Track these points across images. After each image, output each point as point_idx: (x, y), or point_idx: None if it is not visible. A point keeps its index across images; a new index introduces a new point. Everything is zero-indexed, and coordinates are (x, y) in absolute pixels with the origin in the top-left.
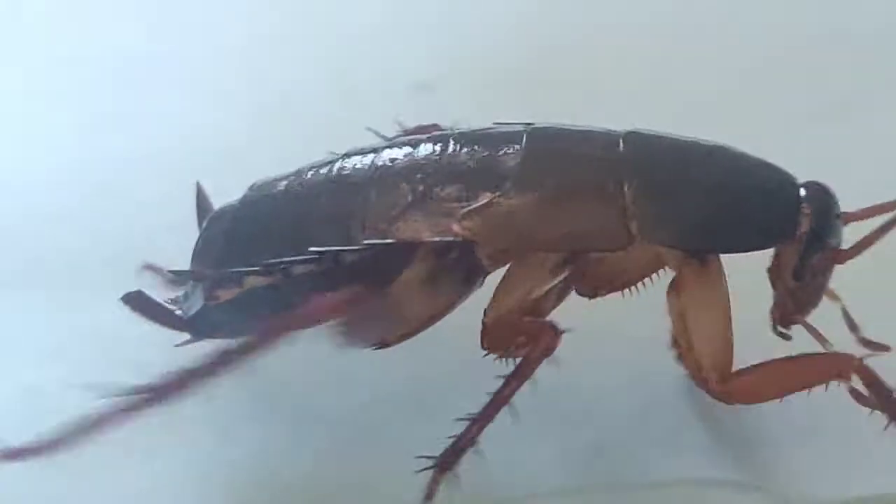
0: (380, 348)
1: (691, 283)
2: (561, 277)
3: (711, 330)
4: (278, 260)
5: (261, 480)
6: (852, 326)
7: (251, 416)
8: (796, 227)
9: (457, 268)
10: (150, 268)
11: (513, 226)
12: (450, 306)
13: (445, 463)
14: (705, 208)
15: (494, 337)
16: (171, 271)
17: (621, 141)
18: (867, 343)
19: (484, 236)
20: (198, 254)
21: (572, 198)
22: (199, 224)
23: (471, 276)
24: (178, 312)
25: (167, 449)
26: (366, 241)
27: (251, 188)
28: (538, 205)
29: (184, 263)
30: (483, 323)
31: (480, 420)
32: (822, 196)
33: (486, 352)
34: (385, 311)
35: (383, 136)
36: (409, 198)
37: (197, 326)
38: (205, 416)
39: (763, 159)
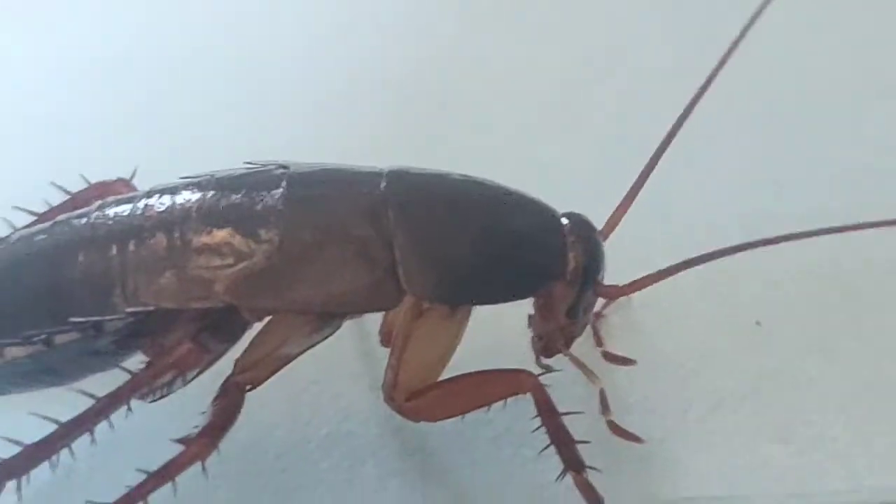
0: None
1: (434, 320)
2: (323, 337)
3: (430, 361)
4: (37, 332)
5: None
6: (599, 342)
7: None
8: (566, 267)
9: (221, 325)
10: None
11: (276, 287)
12: (216, 359)
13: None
14: (479, 262)
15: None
16: None
17: (383, 181)
18: (612, 357)
19: (247, 299)
20: None
21: (336, 257)
22: None
23: (235, 331)
24: None
25: None
26: (129, 310)
27: (2, 243)
28: (300, 265)
29: None
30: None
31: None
32: (586, 229)
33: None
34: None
35: (65, 190)
36: (169, 258)
37: None
38: None
39: (523, 194)
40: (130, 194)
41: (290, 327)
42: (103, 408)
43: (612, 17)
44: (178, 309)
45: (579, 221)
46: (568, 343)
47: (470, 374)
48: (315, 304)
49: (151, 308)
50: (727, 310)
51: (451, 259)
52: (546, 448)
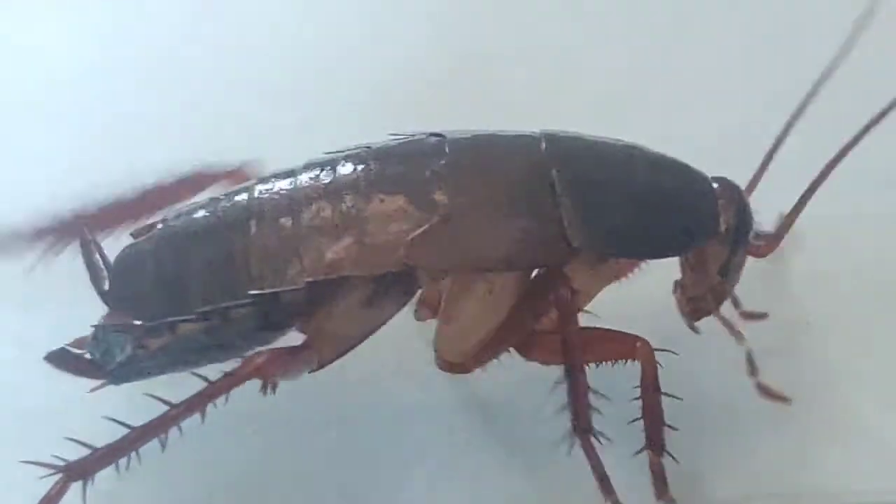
0: (316, 370)
1: (583, 276)
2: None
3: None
4: (217, 306)
5: None
6: (736, 303)
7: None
8: (719, 225)
9: (394, 288)
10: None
11: (454, 247)
12: (385, 321)
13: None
14: (641, 215)
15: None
16: (97, 324)
17: (543, 143)
18: (747, 314)
19: (428, 260)
20: (117, 300)
21: (507, 215)
22: (86, 261)
23: (408, 291)
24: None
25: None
26: (308, 279)
27: (164, 224)
28: (474, 224)
29: None
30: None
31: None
32: (734, 190)
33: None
34: (317, 344)
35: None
36: (343, 227)
37: (122, 375)
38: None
39: (672, 157)
40: (289, 168)
41: (466, 291)
42: (177, 415)
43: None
44: (352, 277)
45: (728, 184)
46: (718, 303)
47: (588, 328)
48: (491, 261)
49: (332, 277)
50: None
51: (614, 213)
52: (634, 421)
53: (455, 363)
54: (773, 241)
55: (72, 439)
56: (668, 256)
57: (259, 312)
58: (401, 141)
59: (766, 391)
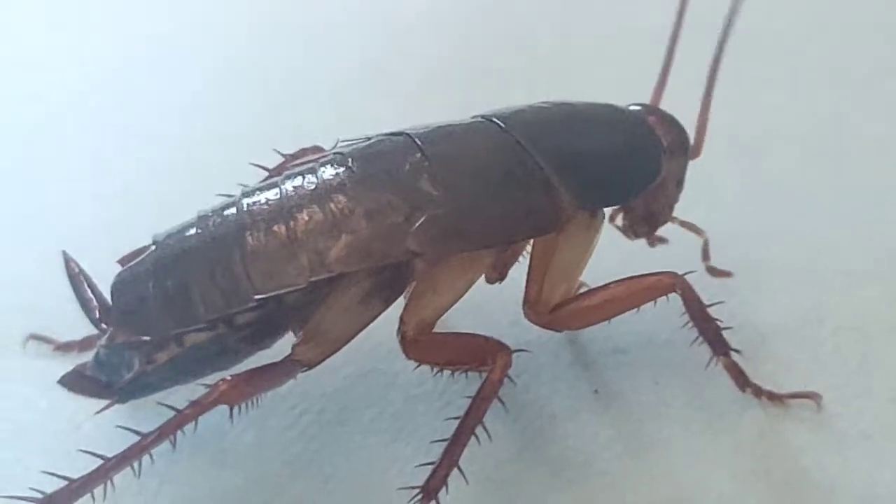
0: (307, 370)
1: (575, 232)
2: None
3: (571, 272)
4: (223, 314)
5: None
6: (706, 256)
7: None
8: (663, 143)
9: (389, 282)
10: (37, 337)
11: (456, 230)
12: (376, 317)
13: (430, 490)
14: (615, 161)
15: (431, 350)
16: (103, 346)
17: (497, 121)
18: (714, 271)
19: (433, 246)
20: (120, 321)
21: (497, 192)
22: (76, 291)
23: (400, 286)
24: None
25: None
26: (312, 279)
27: (155, 244)
28: (470, 207)
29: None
30: (405, 333)
31: (458, 443)
32: (656, 109)
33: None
34: (311, 343)
35: (263, 168)
36: (339, 227)
37: (130, 391)
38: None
39: (593, 101)
40: (270, 181)
41: (461, 271)
42: (149, 443)
43: None
44: (350, 275)
45: (647, 106)
46: (671, 210)
47: (615, 283)
48: (493, 237)
49: (334, 274)
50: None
51: (592, 166)
52: (695, 341)
53: (419, 338)
54: (697, 139)
55: (50, 473)
56: (646, 189)
57: (262, 316)
58: (368, 142)
59: (713, 271)
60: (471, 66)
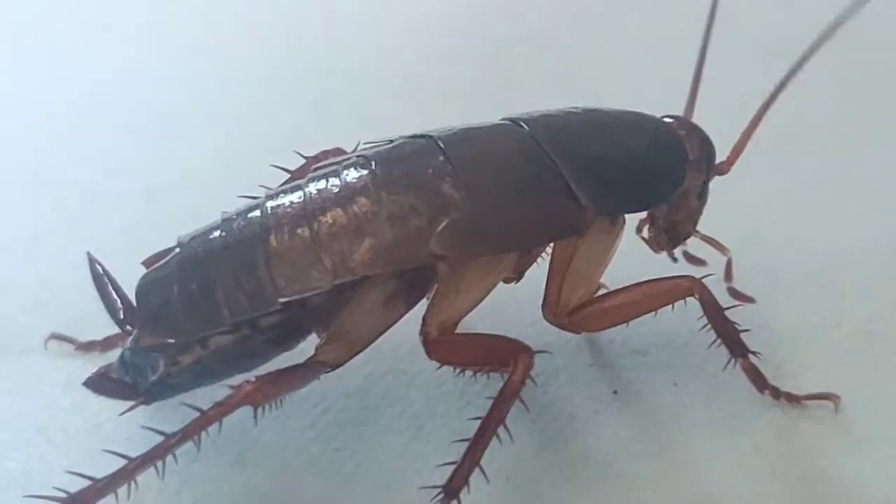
0: (330, 371)
1: (596, 234)
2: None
3: (591, 276)
4: (248, 316)
5: None
6: (728, 276)
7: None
8: (689, 155)
9: (412, 284)
10: (59, 336)
11: (478, 234)
12: (398, 320)
13: (452, 490)
14: (637, 168)
15: (453, 351)
16: (128, 348)
17: (523, 125)
18: (736, 294)
19: (457, 250)
20: (146, 324)
21: (519, 196)
22: (100, 292)
23: (423, 288)
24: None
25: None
26: (336, 282)
27: (180, 245)
28: (492, 210)
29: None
30: (427, 334)
31: (480, 443)
32: (686, 121)
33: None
34: (333, 340)
35: (285, 170)
36: (363, 230)
37: (156, 393)
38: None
39: (624, 109)
40: (294, 183)
41: (484, 273)
42: (173, 444)
43: None
44: (373, 277)
45: (677, 118)
46: (696, 224)
47: (633, 286)
48: (515, 241)
49: (358, 277)
50: None
51: (614, 172)
52: (713, 343)
53: (441, 338)
54: (731, 157)
55: (73, 472)
56: (669, 199)
57: (287, 318)
58: (391, 145)
59: (736, 294)
60: (497, 68)
